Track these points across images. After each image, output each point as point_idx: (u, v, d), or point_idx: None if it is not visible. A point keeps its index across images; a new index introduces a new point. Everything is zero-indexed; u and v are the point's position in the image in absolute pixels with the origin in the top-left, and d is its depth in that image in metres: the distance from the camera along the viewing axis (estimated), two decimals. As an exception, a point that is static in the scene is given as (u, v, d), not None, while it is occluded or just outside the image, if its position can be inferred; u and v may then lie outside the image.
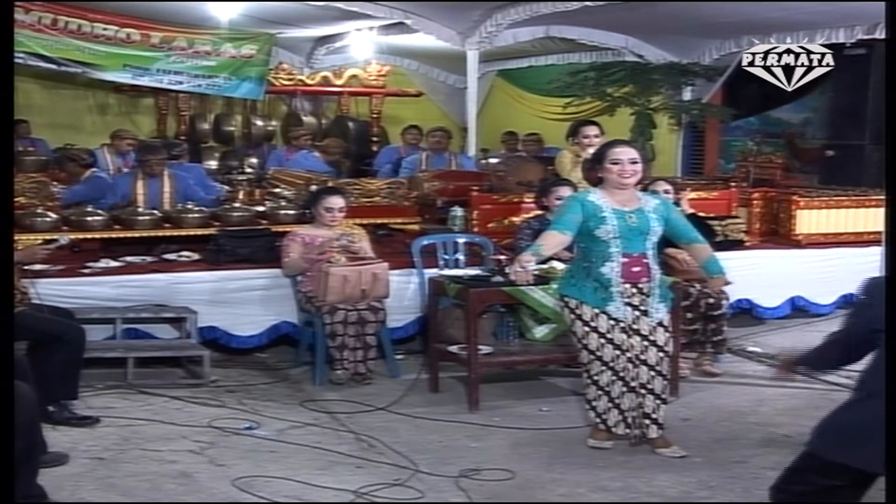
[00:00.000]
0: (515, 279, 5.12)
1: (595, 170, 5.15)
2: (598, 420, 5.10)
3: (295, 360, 6.70)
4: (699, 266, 5.33)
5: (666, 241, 5.31)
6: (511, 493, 4.57)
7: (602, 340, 4.96)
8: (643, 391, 5.02)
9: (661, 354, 5.04)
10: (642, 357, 5.00)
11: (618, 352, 4.96)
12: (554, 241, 5.01)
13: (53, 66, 10.66)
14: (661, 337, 5.03)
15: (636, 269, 4.97)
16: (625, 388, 5.01)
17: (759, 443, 5.27)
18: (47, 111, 12.27)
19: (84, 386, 5.64)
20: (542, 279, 5.89)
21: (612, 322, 4.95)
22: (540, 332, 6.29)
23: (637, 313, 4.98)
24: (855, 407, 3.32)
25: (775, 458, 4.98)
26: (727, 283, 5.42)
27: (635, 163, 5.03)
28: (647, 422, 5.05)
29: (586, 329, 4.98)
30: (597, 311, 4.96)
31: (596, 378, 5.03)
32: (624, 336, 4.96)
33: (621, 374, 4.98)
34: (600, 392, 5.04)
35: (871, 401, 3.21)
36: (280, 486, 4.55)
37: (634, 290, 4.97)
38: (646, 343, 5.00)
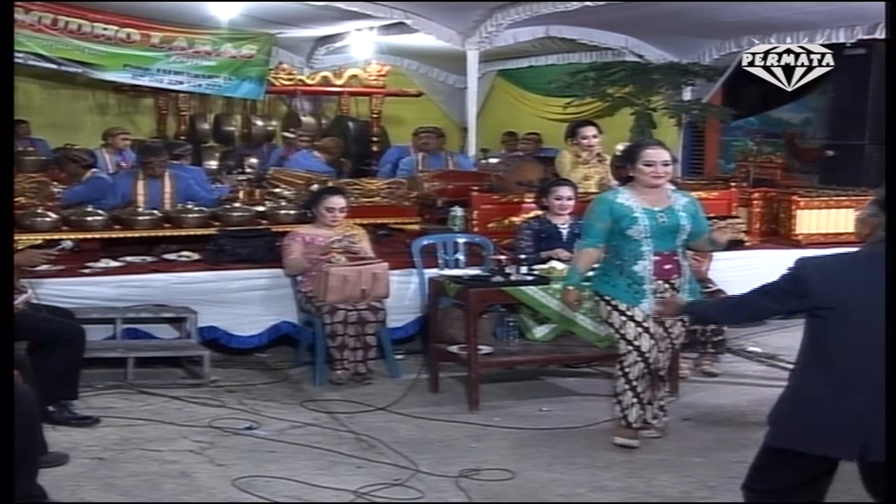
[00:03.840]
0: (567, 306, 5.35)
1: (625, 168, 5.18)
2: (620, 415, 5.14)
3: (295, 360, 6.70)
4: (705, 247, 5.39)
5: None
6: (511, 493, 4.57)
7: (639, 329, 5.02)
8: (659, 380, 5.21)
9: (670, 345, 5.18)
10: (660, 346, 5.12)
11: (653, 341, 5.04)
12: (589, 258, 5.13)
13: (53, 66, 10.65)
14: (676, 329, 5.16)
15: (668, 266, 5.04)
16: (650, 381, 5.11)
17: (759, 443, 5.22)
18: (47, 111, 12.24)
19: (84, 386, 5.64)
20: (542, 279, 5.90)
21: (646, 313, 5.03)
22: (540, 332, 6.29)
23: None
24: (815, 394, 3.27)
25: (775, 458, 5.00)
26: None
27: (668, 164, 5.07)
28: (660, 412, 5.27)
29: (623, 318, 5.04)
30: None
31: (627, 370, 5.07)
32: (655, 324, 5.07)
33: (652, 366, 5.07)
34: (627, 386, 5.08)
35: (832, 388, 3.19)
36: (280, 486, 4.56)
37: (666, 286, 5.04)
38: (664, 333, 5.12)
